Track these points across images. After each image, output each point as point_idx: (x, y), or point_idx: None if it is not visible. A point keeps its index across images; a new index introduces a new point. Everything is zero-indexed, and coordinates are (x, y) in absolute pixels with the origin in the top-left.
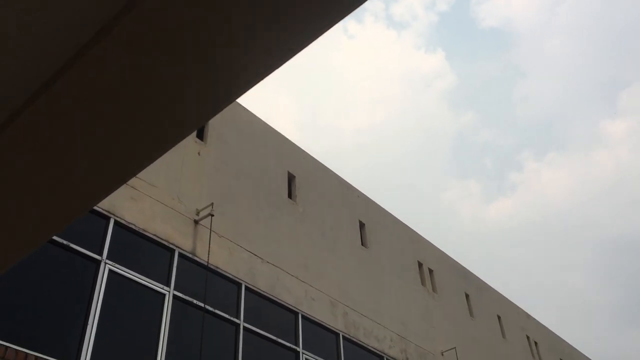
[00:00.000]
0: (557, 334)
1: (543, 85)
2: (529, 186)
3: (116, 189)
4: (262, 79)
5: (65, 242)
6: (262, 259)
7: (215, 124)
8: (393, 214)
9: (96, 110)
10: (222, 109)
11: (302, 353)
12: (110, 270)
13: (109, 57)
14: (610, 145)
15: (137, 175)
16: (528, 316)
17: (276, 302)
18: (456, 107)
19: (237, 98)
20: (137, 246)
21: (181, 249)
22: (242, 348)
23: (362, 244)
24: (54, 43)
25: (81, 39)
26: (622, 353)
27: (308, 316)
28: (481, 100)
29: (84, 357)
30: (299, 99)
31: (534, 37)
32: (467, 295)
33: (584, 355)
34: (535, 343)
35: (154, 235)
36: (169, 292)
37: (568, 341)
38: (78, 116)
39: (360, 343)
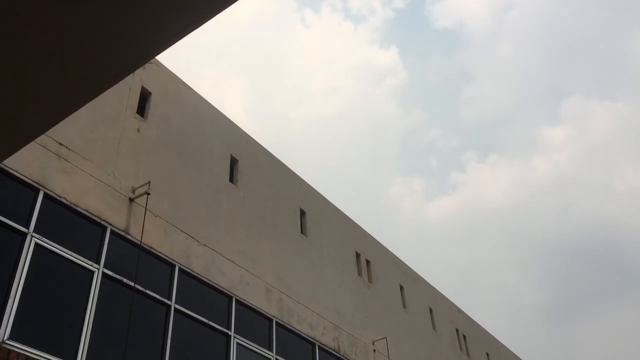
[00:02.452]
0: (486, 329)
1: (489, 88)
2: (470, 186)
3: (28, 143)
4: (183, 36)
5: None
6: (198, 241)
7: (158, 102)
8: (336, 205)
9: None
10: (142, 64)
11: (234, 337)
12: (36, 244)
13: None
14: (549, 151)
15: (71, 148)
16: (459, 310)
17: (210, 285)
18: (406, 104)
19: (158, 54)
20: (67, 221)
21: (114, 226)
22: (172, 330)
23: (301, 232)
24: None
25: None
26: (546, 350)
27: (242, 300)
28: (430, 100)
29: (2, 334)
30: (253, 85)
31: (483, 41)
32: (401, 287)
33: (510, 351)
34: (464, 336)
35: (86, 210)
36: (99, 269)
37: (496, 336)
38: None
39: (293, 329)
